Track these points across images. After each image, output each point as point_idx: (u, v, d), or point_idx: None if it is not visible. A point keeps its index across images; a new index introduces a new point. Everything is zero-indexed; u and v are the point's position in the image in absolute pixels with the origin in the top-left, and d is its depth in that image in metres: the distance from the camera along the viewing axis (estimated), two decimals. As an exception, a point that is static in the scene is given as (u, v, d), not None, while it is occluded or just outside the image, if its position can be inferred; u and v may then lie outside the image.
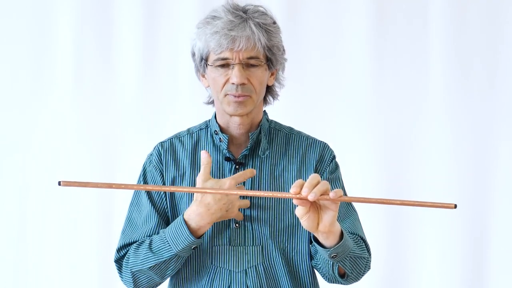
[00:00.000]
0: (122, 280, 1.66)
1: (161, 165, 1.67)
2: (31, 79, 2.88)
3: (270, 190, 1.63)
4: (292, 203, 1.61)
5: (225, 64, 1.58)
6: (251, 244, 1.61)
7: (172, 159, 1.67)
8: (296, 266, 1.64)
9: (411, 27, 2.91)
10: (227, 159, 1.65)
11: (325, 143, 1.71)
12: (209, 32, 1.56)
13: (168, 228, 1.57)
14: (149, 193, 1.65)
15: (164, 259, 1.56)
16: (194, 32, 1.63)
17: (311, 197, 1.29)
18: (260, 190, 1.63)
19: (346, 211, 1.66)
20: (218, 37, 1.55)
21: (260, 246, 1.61)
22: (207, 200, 1.52)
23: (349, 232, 1.60)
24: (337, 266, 1.55)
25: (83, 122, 2.88)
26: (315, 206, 1.36)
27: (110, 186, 1.31)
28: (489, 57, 2.90)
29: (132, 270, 1.60)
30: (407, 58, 2.91)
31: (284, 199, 1.62)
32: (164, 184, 1.66)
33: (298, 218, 1.38)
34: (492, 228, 2.90)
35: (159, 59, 2.91)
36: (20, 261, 2.87)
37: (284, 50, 1.66)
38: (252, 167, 1.63)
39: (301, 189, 1.31)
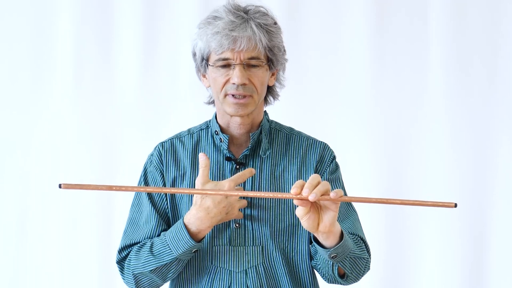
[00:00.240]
0: (124, 281, 1.65)
1: (161, 165, 1.67)
2: (31, 80, 2.88)
3: (270, 191, 1.63)
4: (292, 203, 1.61)
5: (226, 65, 1.58)
6: (251, 244, 1.61)
7: (172, 159, 1.67)
8: (296, 266, 1.64)
9: (411, 27, 2.92)
10: (228, 159, 1.65)
11: (325, 144, 1.71)
12: (210, 32, 1.57)
13: (169, 232, 1.57)
14: (149, 194, 1.65)
15: (165, 262, 1.56)
16: (195, 32, 1.63)
17: (311, 198, 1.29)
18: (261, 190, 1.63)
19: (346, 211, 1.66)
20: (219, 37, 1.55)
21: (260, 246, 1.62)
22: (206, 204, 1.52)
23: (349, 232, 1.60)
24: (336, 267, 1.56)
25: (83, 123, 2.88)
26: (315, 207, 1.36)
27: (110, 188, 1.31)
28: (489, 57, 2.90)
29: (134, 272, 1.60)
30: (407, 58, 2.91)
31: (284, 199, 1.62)
32: (164, 184, 1.66)
33: (298, 218, 1.38)
34: (492, 227, 2.90)
35: (159, 59, 2.91)
36: (20, 261, 2.87)
37: (285, 50, 1.66)
38: (252, 167, 1.62)
39: (301, 189, 1.31)
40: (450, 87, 2.90)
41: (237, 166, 1.64)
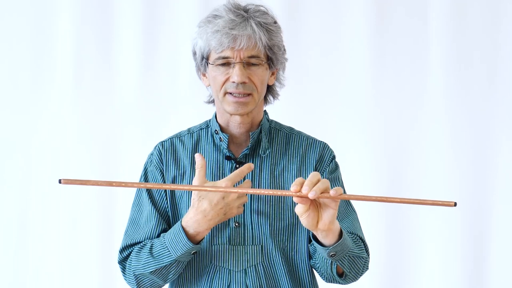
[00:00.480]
0: (126, 281, 1.66)
1: (161, 164, 1.67)
2: (31, 80, 2.89)
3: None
4: (292, 202, 1.61)
5: (226, 63, 1.58)
6: (251, 244, 1.61)
7: (172, 158, 1.67)
8: (296, 266, 1.64)
9: (411, 27, 2.92)
10: (228, 158, 1.65)
11: (325, 143, 1.71)
12: (210, 30, 1.57)
13: (168, 233, 1.56)
14: (149, 193, 1.65)
15: (164, 264, 1.56)
16: (195, 31, 1.63)
17: (311, 195, 1.29)
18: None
19: (345, 211, 1.66)
20: (219, 35, 1.55)
21: (260, 246, 1.61)
22: (203, 206, 1.51)
23: (348, 232, 1.60)
24: (335, 265, 1.56)
25: (83, 123, 2.88)
26: (315, 204, 1.36)
27: (110, 184, 1.31)
28: (489, 56, 2.91)
29: (135, 273, 1.60)
30: (407, 58, 2.92)
31: (283, 198, 1.62)
32: (164, 183, 1.66)
33: (297, 218, 1.38)
34: (491, 226, 2.90)
35: (159, 59, 2.91)
36: (21, 260, 2.87)
37: (284, 49, 1.66)
38: (252, 166, 1.62)
39: (301, 187, 1.31)
40: (450, 87, 2.90)
41: (237, 165, 1.64)
